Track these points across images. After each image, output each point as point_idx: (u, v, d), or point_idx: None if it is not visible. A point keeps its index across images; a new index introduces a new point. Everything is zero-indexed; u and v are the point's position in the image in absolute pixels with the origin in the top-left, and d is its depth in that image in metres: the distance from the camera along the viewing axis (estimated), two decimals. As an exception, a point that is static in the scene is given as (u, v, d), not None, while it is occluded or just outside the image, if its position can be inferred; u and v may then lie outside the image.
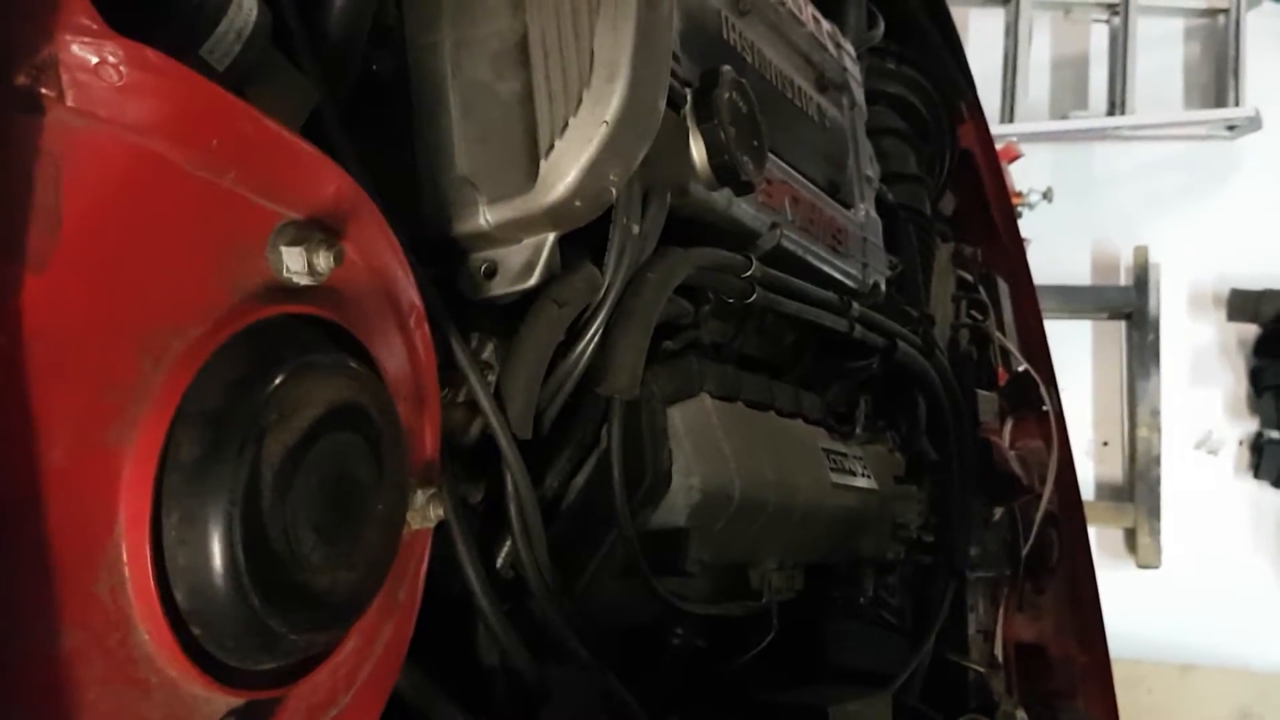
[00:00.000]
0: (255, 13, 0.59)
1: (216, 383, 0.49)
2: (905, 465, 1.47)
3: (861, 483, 1.29)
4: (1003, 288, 2.27)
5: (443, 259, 0.85)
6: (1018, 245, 2.41)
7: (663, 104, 0.84)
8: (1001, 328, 2.16)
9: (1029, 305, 2.35)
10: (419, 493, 0.64)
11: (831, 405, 1.33)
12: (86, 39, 0.44)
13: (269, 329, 0.52)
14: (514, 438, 0.82)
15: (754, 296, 1.05)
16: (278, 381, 0.50)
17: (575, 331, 0.88)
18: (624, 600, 1.01)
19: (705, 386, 1.03)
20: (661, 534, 0.97)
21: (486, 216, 0.82)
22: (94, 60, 0.45)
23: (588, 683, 0.91)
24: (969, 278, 2.09)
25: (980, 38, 5.49)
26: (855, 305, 1.30)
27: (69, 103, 0.44)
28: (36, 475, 0.42)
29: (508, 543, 0.87)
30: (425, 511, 0.64)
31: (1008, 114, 5.68)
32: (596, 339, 0.88)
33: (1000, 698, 1.75)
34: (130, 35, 0.47)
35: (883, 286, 1.45)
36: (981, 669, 1.72)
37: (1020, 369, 2.15)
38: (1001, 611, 1.92)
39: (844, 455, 1.28)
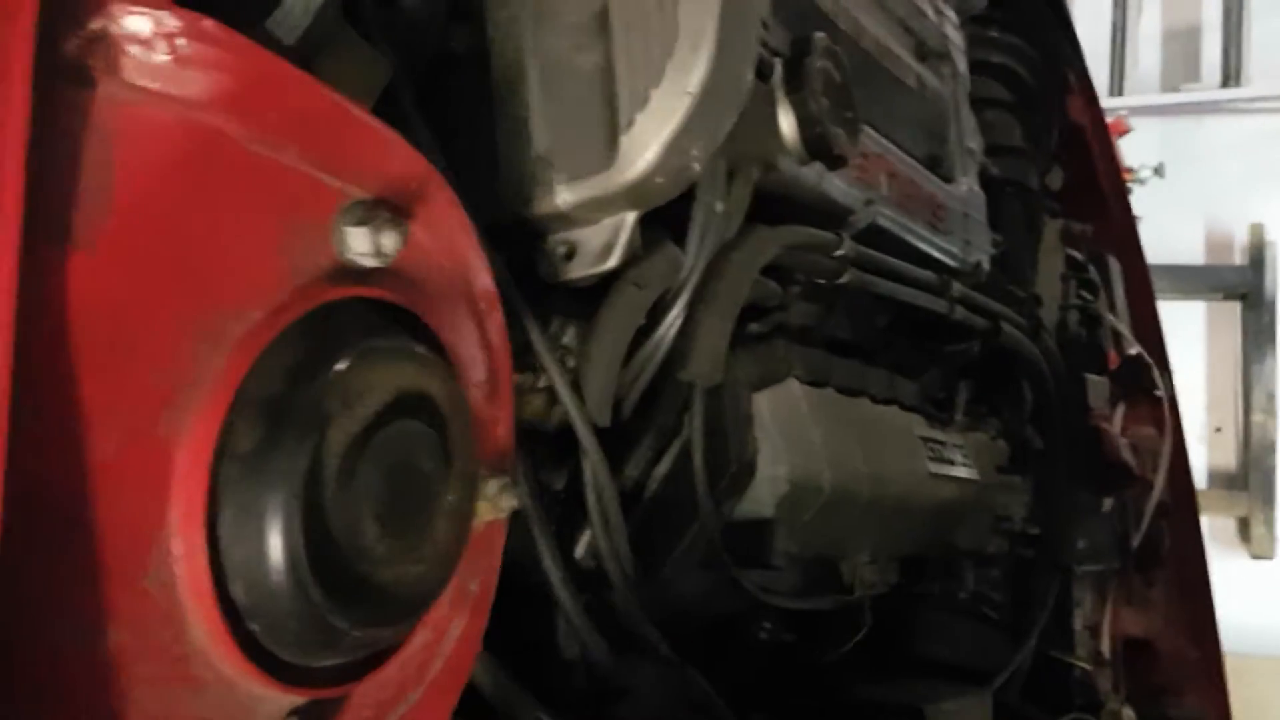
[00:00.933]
0: (323, -16, 0.57)
1: (277, 368, 0.47)
2: (1009, 454, 1.40)
3: (961, 472, 1.23)
4: (1114, 267, 2.16)
5: (520, 241, 0.82)
6: (1129, 223, 2.30)
7: (751, 74, 0.80)
8: (1113, 309, 2.06)
9: (1141, 285, 2.23)
10: (491, 482, 0.61)
11: (929, 391, 1.27)
12: (141, 8, 0.42)
13: (333, 312, 0.50)
14: (592, 425, 0.79)
15: (845, 277, 1.00)
16: (341, 367, 0.48)
17: (656, 315, 0.85)
18: (706, 592, 0.98)
19: (793, 371, 0.99)
20: (747, 525, 0.94)
21: (564, 196, 0.79)
22: (148, 31, 0.43)
23: (668, 677, 0.88)
24: (1078, 256, 1.99)
25: (1088, 7, 5.28)
26: (955, 285, 1.24)
27: (121, 75, 0.42)
28: (85, 467, 0.40)
29: (587, 532, 0.85)
30: (497, 502, 0.61)
31: (1117, 87, 5.48)
32: (678, 323, 0.85)
33: (1106, 695, 1.67)
34: (193, 6, 0.45)
35: (985, 265, 1.38)
36: (1087, 666, 1.64)
37: (1132, 352, 2.04)
38: (1109, 605, 1.83)
39: (942, 443, 1.22)
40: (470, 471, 0.57)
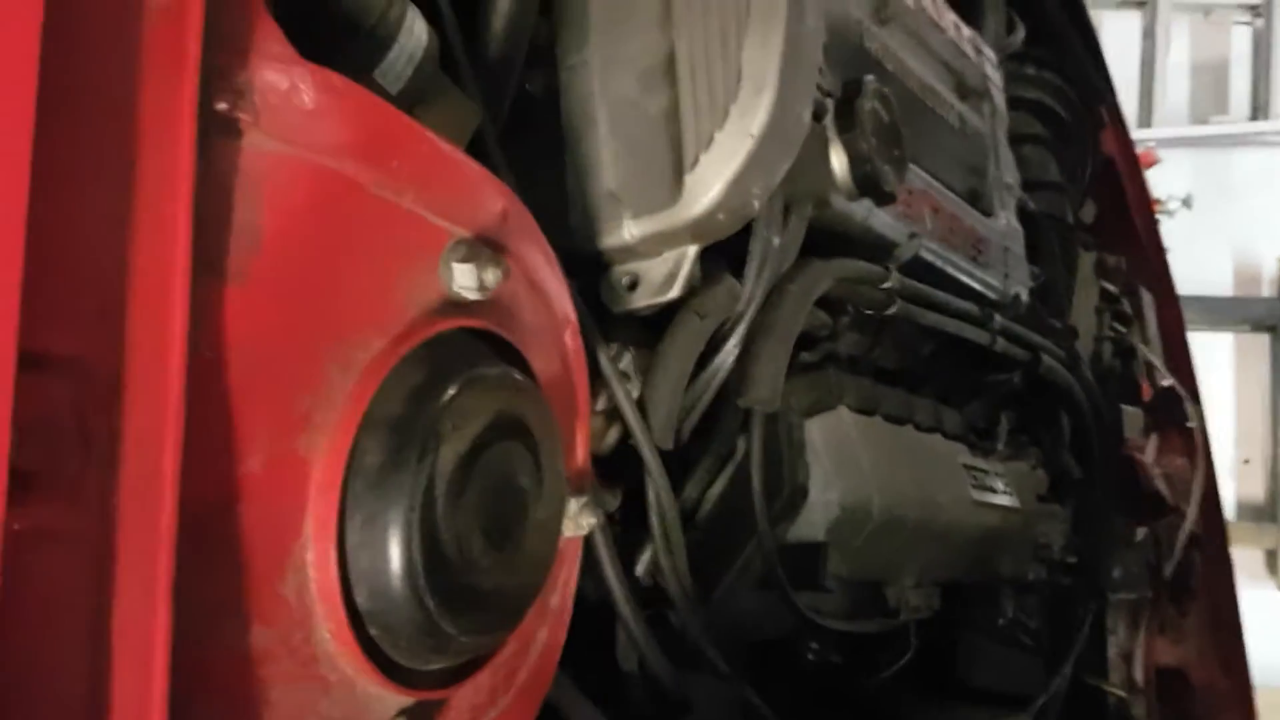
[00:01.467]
0: (425, 37, 0.62)
1: (398, 392, 0.51)
2: (1048, 483, 1.43)
3: (1003, 500, 1.26)
4: (1146, 299, 2.19)
5: (586, 271, 0.86)
6: (1160, 255, 2.32)
7: (808, 117, 0.84)
8: (1145, 340, 2.08)
9: (1172, 317, 2.26)
10: (572, 501, 0.65)
11: (971, 421, 1.30)
12: (278, 65, 0.47)
13: (443, 341, 0.54)
14: (656, 448, 0.83)
15: (894, 308, 1.04)
16: (452, 392, 0.52)
17: (715, 343, 0.89)
18: (757, 612, 1.01)
19: (843, 399, 1.03)
20: (799, 548, 0.97)
21: (631, 230, 0.83)
22: (285, 85, 0.47)
23: (725, 693, 0.91)
24: (1112, 289, 2.02)
25: (1116, 41, 5.31)
26: (997, 317, 1.27)
27: (263, 126, 0.46)
28: (234, 482, 0.44)
29: (647, 551, 0.88)
30: (578, 520, 0.65)
31: (1145, 118, 5.49)
32: (736, 351, 0.89)
33: (1142, 724, 1.68)
34: (313, 61, 0.49)
35: (1025, 297, 1.41)
36: (1122, 693, 1.66)
37: (1165, 384, 2.06)
38: (1142, 634, 1.85)
39: (985, 472, 1.25)
40: (558, 490, 0.61)
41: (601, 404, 0.86)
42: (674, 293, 0.85)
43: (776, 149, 0.81)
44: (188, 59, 0.41)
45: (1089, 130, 1.98)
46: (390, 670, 0.52)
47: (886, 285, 1.04)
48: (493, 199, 0.59)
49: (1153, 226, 2.35)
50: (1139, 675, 1.82)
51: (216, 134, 0.45)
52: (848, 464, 0.99)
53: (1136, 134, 4.99)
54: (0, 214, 0.35)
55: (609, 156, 0.84)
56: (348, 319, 0.49)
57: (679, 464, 0.92)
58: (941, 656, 1.27)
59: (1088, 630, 1.54)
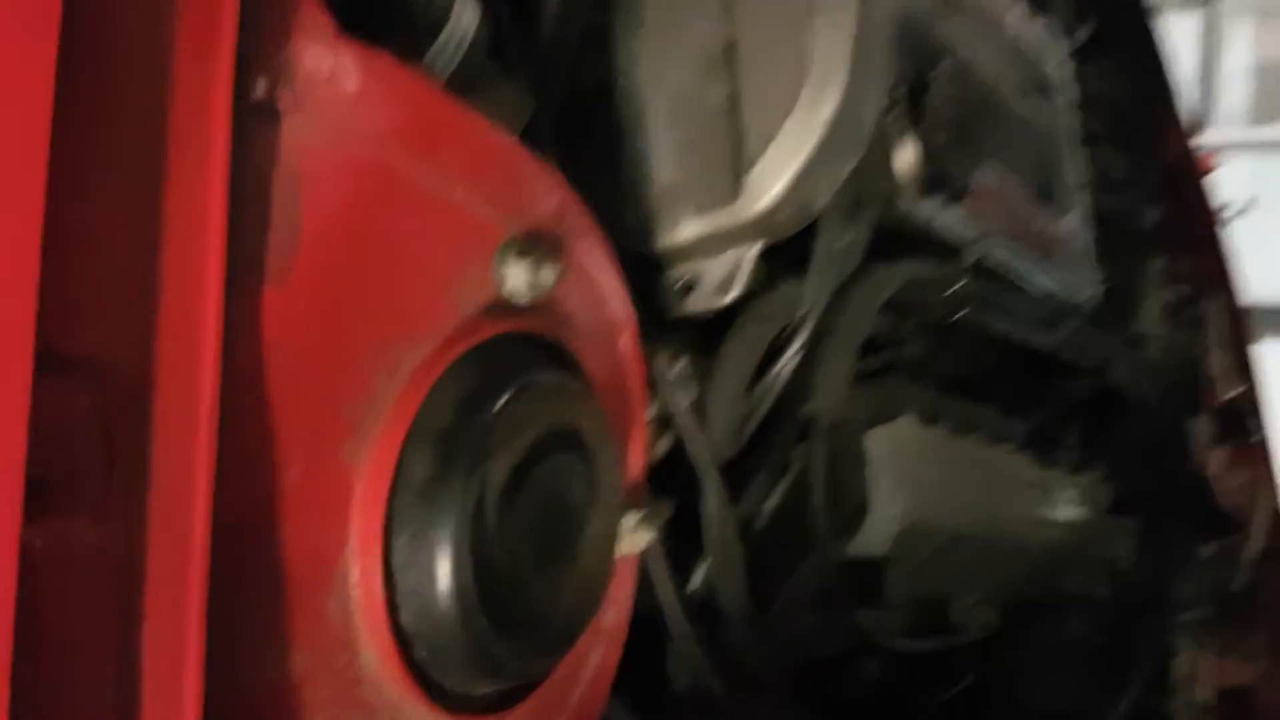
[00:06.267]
0: (475, 21, 0.58)
1: (446, 400, 0.47)
2: (1115, 496, 1.37)
3: (1069, 515, 1.21)
4: (1213, 306, 2.12)
5: (639, 272, 0.83)
6: (1224, 260, 2.25)
7: (877, 112, 0.79)
8: (1213, 348, 2.01)
9: (1238, 326, 2.18)
10: (629, 516, 0.61)
11: (1037, 431, 1.25)
12: (321, 44, 0.43)
13: (494, 346, 0.51)
14: (713, 460, 0.79)
15: (961, 313, 0.99)
16: (504, 401, 0.49)
17: (775, 349, 0.85)
18: (814, 629, 0.96)
19: (907, 410, 0.98)
20: (859, 564, 0.92)
21: (688, 229, 0.79)
22: (328, 67, 0.44)
23: (780, 714, 0.87)
24: (1179, 295, 1.95)
25: (1175, 42, 5.18)
26: (1065, 322, 1.22)
27: (304, 112, 0.43)
28: (274, 493, 0.41)
29: (702, 566, 0.84)
30: (634, 536, 0.62)
31: (1205, 121, 5.38)
32: (798, 358, 0.84)
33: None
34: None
35: (1093, 301, 1.35)
36: (1188, 714, 1.59)
37: (1231, 394, 1.99)
38: (1208, 654, 1.77)
39: (1051, 486, 1.19)
40: (613, 505, 0.57)
41: (653, 411, 0.82)
42: (733, 296, 0.80)
43: (845, 143, 0.77)
44: (223, 37, 0.37)
45: (1156, 130, 1.91)
46: (437, 695, 0.49)
47: (955, 289, 1.00)
48: (548, 192, 0.55)
49: (1217, 231, 2.27)
50: (1204, 695, 1.75)
51: (252, 120, 0.41)
52: (911, 477, 0.94)
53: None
54: (17, 206, 0.31)
55: (666, 151, 0.80)
56: (394, 321, 0.46)
57: (732, 474, 0.88)
58: (1004, 675, 1.22)
59: (1154, 650, 1.48)
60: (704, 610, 0.85)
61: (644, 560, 0.78)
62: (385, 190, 0.45)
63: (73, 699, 0.36)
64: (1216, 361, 2.03)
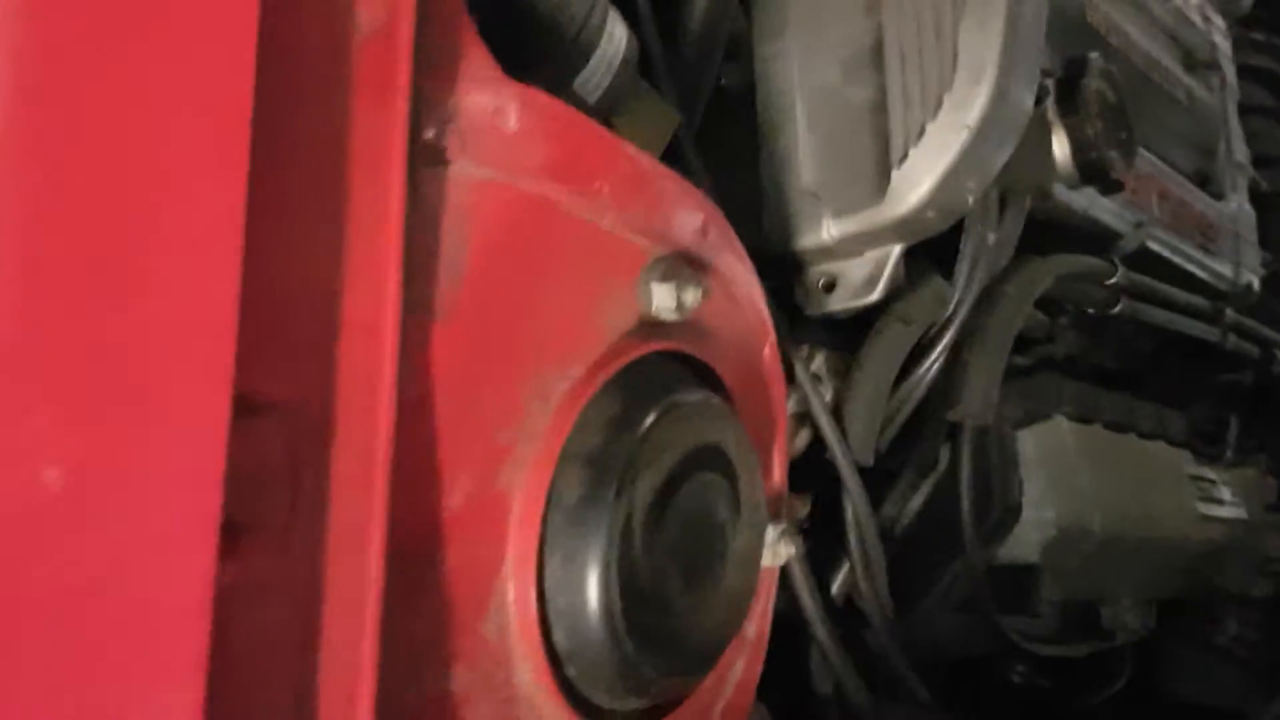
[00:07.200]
0: (624, 42, 0.59)
1: (596, 423, 0.48)
2: (1278, 491, 1.30)
3: (1229, 512, 1.15)
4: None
5: (779, 272, 0.82)
6: None
7: (1030, 105, 0.77)
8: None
9: None
10: (770, 529, 0.61)
11: (1197, 424, 1.19)
12: (486, 88, 0.44)
13: (640, 367, 0.51)
14: (855, 464, 0.78)
15: (1119, 306, 0.95)
16: (650, 422, 0.49)
17: (920, 349, 0.83)
18: (958, 634, 0.95)
19: (1061, 408, 0.95)
20: (1009, 570, 0.90)
21: (831, 230, 0.78)
22: (491, 108, 0.45)
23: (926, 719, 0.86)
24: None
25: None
26: (1228, 311, 1.16)
27: (469, 153, 0.44)
28: (438, 520, 0.43)
29: (843, 570, 0.84)
30: (776, 549, 0.62)
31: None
32: (943, 358, 0.82)
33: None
34: (514, 75, 0.47)
35: (1256, 286, 1.28)
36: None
37: None
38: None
39: (1211, 482, 1.14)
40: (758, 521, 0.58)
41: (792, 406, 0.82)
42: (876, 295, 0.79)
43: (995, 141, 0.75)
44: (399, 85, 0.39)
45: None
46: (587, 711, 0.50)
47: (1112, 281, 0.96)
48: (692, 213, 0.56)
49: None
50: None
51: (423, 163, 0.43)
52: (1065, 479, 0.92)
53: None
54: (218, 254, 0.33)
55: (808, 151, 0.79)
56: (547, 348, 0.47)
57: (875, 476, 0.87)
58: (1157, 676, 1.17)
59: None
60: (845, 614, 0.85)
61: (787, 565, 0.78)
62: (541, 222, 0.46)
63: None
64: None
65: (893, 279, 0.79)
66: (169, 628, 0.34)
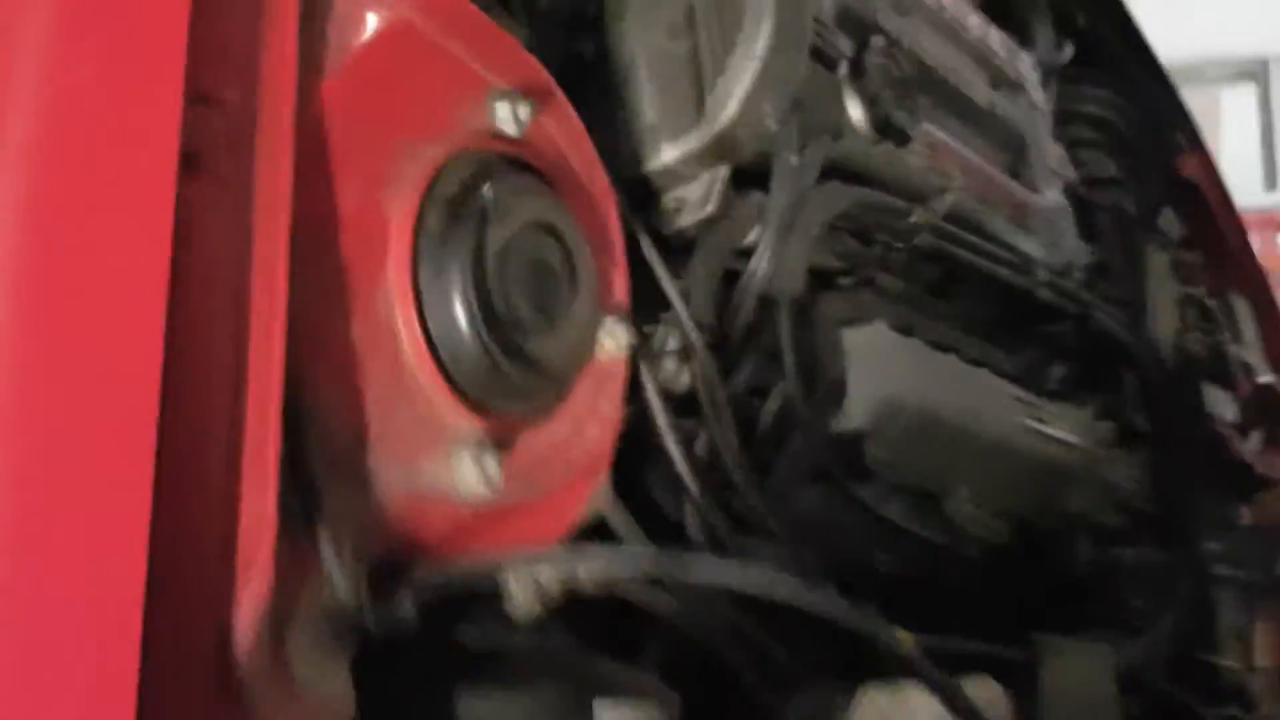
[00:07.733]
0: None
1: (453, 179, 0.69)
2: (1114, 434, 1.49)
3: (1059, 434, 1.34)
4: (1242, 306, 2.24)
5: (643, 205, 1.04)
6: (1257, 268, 2.38)
7: (805, 42, 1.01)
8: (1239, 341, 2.12)
9: (1273, 326, 2.29)
10: (609, 318, 0.80)
11: (1022, 368, 1.40)
12: None
13: (490, 156, 0.72)
14: (698, 325, 0.97)
15: (919, 236, 1.18)
16: (497, 184, 0.70)
17: (750, 251, 1.04)
18: (819, 510, 1.11)
19: (881, 317, 1.15)
20: (840, 438, 1.08)
21: (668, 153, 1.01)
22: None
23: (785, 556, 1.01)
24: (1196, 292, 2.07)
25: (1236, 114, 5.37)
26: (1042, 270, 1.38)
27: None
28: (334, 208, 0.63)
29: (702, 434, 1.01)
30: (615, 334, 0.81)
31: (1270, 181, 5.47)
32: (768, 251, 1.03)
33: (1261, 699, 1.66)
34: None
35: (1077, 267, 1.51)
36: (1236, 666, 1.65)
37: (1263, 380, 2.08)
38: (1260, 620, 1.82)
39: (1037, 406, 1.34)
40: (591, 285, 0.77)
41: (673, 344, 1.01)
42: (711, 208, 1.01)
43: (780, 68, 0.99)
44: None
45: (1155, 140, 2.07)
46: (461, 395, 0.68)
47: (913, 220, 1.18)
48: (526, 64, 0.77)
49: (1247, 247, 2.40)
50: (1260, 659, 1.78)
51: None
52: (885, 367, 1.11)
53: (1264, 199, 4.99)
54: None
55: (648, 96, 1.03)
56: (415, 122, 0.68)
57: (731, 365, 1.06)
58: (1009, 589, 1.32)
59: (1188, 593, 1.56)
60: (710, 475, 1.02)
61: (653, 419, 0.96)
62: (407, 33, 0.68)
63: (208, 317, 0.57)
64: (1247, 355, 2.13)
65: (723, 195, 1.01)
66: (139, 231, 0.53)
